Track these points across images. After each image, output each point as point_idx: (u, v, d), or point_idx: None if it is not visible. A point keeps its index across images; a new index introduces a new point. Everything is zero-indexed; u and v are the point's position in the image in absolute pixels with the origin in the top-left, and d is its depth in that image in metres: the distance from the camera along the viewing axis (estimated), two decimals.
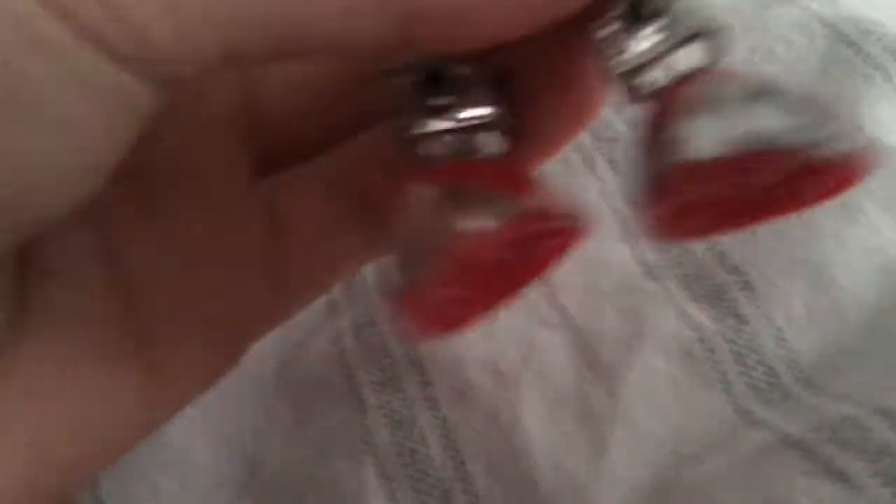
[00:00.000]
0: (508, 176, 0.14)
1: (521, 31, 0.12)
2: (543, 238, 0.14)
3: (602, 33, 0.13)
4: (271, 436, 0.23)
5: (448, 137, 0.13)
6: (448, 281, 0.13)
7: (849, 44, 0.24)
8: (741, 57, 0.24)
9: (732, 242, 0.22)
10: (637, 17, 0.13)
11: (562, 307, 0.22)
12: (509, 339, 0.22)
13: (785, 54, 0.24)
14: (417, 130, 0.13)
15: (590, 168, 0.24)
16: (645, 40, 0.13)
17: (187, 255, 0.16)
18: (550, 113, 0.15)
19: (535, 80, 0.15)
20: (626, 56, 0.13)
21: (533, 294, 0.22)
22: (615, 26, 0.13)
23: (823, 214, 0.21)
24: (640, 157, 0.13)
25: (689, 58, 0.13)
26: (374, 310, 0.23)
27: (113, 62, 0.10)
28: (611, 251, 0.23)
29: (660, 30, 0.13)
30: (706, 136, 0.12)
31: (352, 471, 0.21)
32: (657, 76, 0.13)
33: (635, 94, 0.13)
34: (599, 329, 0.22)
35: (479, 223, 0.12)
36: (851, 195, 0.14)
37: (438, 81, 0.13)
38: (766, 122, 0.12)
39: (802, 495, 0.18)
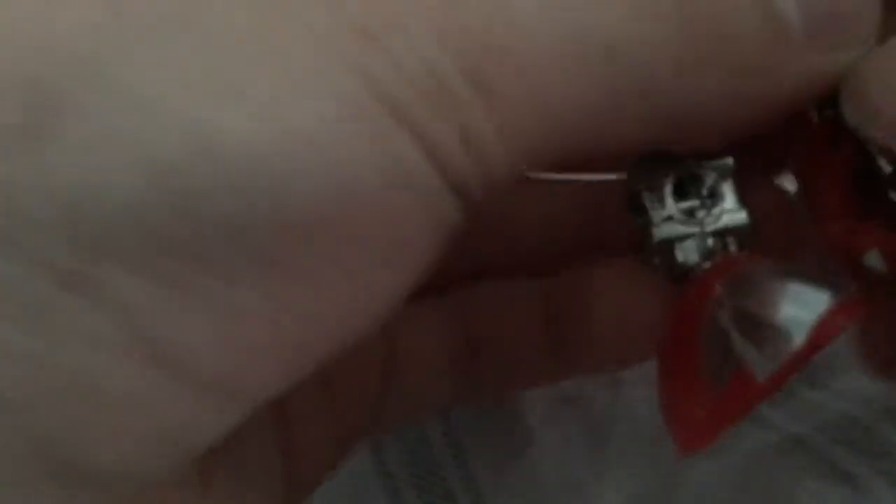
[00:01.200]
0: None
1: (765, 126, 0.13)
2: None
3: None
4: None
5: (707, 239, 0.14)
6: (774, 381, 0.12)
7: None
8: None
9: None
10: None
11: None
12: None
13: None
14: (672, 234, 0.14)
15: None
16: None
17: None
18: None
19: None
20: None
21: None
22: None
23: None
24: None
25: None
26: None
27: (455, 193, 0.10)
28: None
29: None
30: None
31: (353, 470, 0.21)
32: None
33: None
34: None
35: (830, 306, 0.11)
36: None
37: (685, 184, 0.14)
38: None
39: (807, 495, 0.19)
